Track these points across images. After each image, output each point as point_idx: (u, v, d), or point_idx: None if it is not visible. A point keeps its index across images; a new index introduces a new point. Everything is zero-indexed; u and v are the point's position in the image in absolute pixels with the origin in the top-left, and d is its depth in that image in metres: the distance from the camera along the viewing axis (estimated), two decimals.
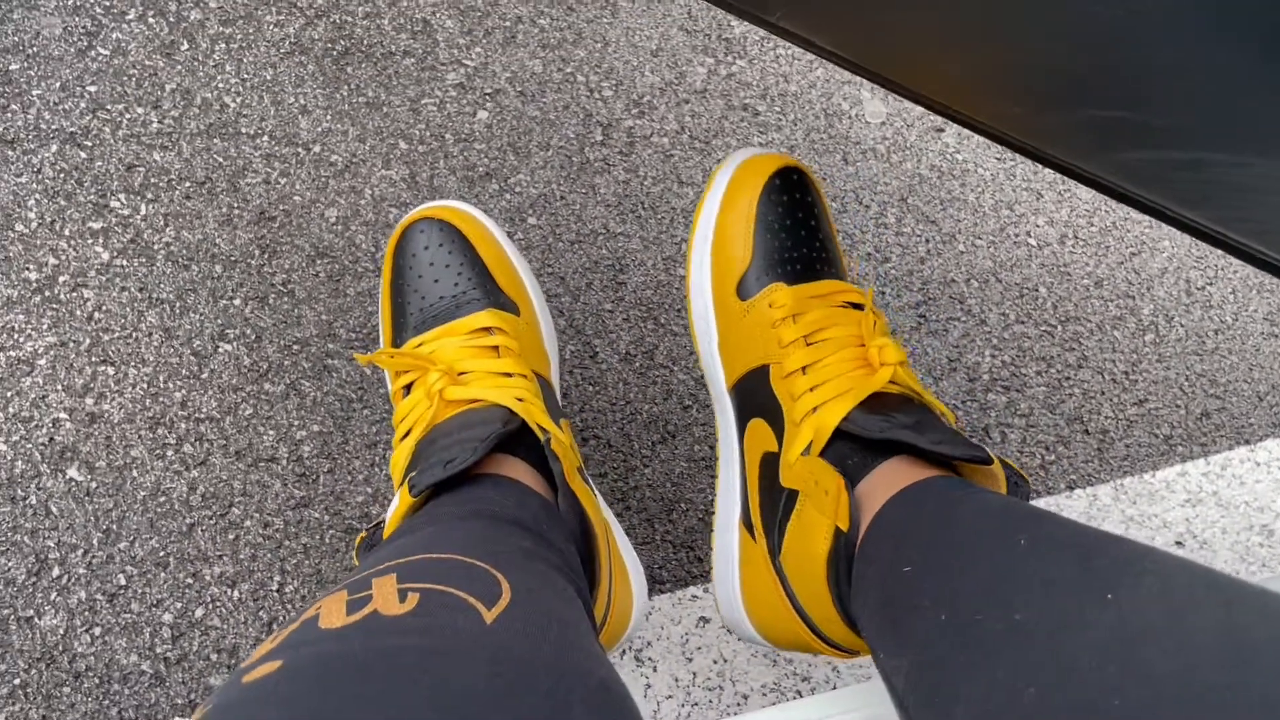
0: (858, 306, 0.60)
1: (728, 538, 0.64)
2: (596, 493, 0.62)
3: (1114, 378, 0.92)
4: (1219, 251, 1.03)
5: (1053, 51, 0.41)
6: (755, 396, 0.61)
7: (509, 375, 0.57)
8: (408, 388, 0.58)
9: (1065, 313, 0.94)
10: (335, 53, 0.87)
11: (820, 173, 0.94)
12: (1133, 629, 0.31)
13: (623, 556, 0.61)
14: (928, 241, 0.93)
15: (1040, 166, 1.01)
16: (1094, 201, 1.01)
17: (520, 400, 0.55)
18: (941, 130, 1.00)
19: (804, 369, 0.57)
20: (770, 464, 0.58)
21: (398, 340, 0.62)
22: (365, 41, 0.88)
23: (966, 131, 1.01)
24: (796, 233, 0.62)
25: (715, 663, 0.71)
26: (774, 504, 0.57)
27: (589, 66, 0.93)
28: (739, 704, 0.69)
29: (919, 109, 1.01)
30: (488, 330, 0.60)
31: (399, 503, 0.49)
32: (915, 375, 0.58)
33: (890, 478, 0.50)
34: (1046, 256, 0.96)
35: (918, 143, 0.99)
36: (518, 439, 0.54)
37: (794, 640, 0.59)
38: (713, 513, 0.73)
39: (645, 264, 0.85)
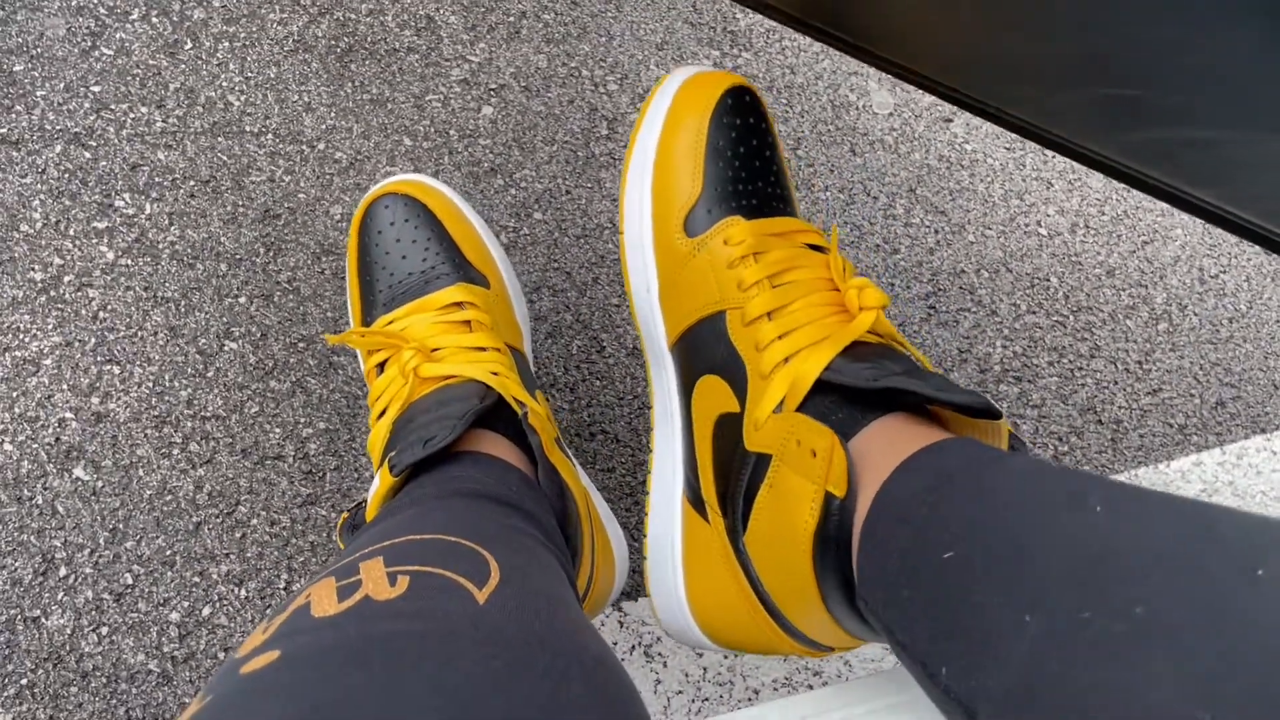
0: (819, 250, 0.53)
1: (667, 519, 0.56)
2: (575, 462, 0.61)
3: (1127, 367, 0.91)
4: (1232, 239, 1.02)
5: (1064, 31, 0.41)
6: (706, 350, 0.53)
7: (482, 349, 0.56)
8: (381, 366, 0.58)
9: (1077, 302, 0.93)
10: (339, 50, 0.86)
11: (828, 164, 0.93)
12: None
13: (604, 523, 0.61)
14: (937, 232, 0.92)
15: (1050, 155, 1.00)
16: (1105, 190, 1.00)
17: (495, 374, 0.54)
18: (950, 120, 0.99)
19: (769, 314, 0.50)
20: (728, 426, 0.51)
21: (367, 318, 0.61)
22: (369, 38, 0.88)
23: (975, 121, 1.00)
24: (751, 161, 0.55)
25: (726, 658, 0.70)
26: (736, 475, 0.49)
27: (594, 61, 0.92)
28: (749, 699, 0.69)
29: (927, 99, 1.00)
30: (459, 305, 0.59)
31: (379, 483, 0.49)
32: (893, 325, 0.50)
33: (890, 438, 0.43)
34: (1058, 246, 0.95)
35: (926, 133, 0.98)
36: (494, 413, 0.53)
37: (755, 640, 0.51)
38: (646, 491, 0.63)
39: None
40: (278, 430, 0.72)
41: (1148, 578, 0.27)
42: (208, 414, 0.71)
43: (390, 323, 0.59)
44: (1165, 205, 1.00)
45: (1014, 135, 1.02)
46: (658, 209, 0.55)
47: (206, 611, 0.66)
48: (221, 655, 0.65)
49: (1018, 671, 0.28)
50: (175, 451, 0.69)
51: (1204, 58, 0.35)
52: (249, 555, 0.68)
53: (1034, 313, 0.91)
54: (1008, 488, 0.35)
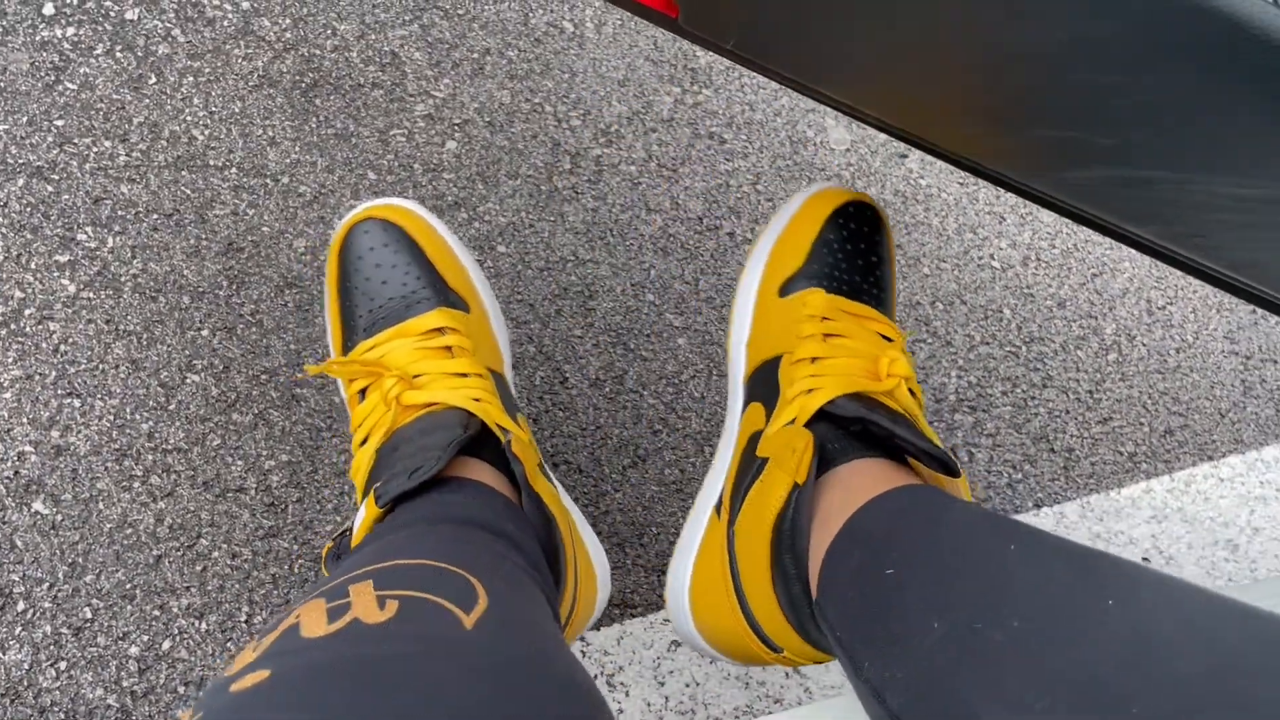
0: (887, 339, 0.60)
1: (694, 528, 0.63)
2: (558, 486, 0.62)
3: (1078, 397, 0.93)
4: (1178, 271, 1.05)
5: (1004, 74, 0.42)
6: (763, 385, 0.61)
7: (464, 375, 0.57)
8: (362, 393, 0.58)
9: (1029, 333, 0.95)
10: (304, 85, 0.87)
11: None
12: (1150, 636, 0.30)
13: (586, 545, 0.61)
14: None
15: (1002, 190, 1.03)
16: (1055, 224, 1.03)
17: (477, 400, 0.55)
18: (905, 156, 1.02)
19: (813, 359, 0.57)
20: (754, 440, 0.58)
21: (348, 344, 0.62)
22: (333, 74, 0.89)
23: (930, 157, 1.03)
24: (854, 259, 0.63)
25: (687, 685, 0.71)
26: (744, 475, 0.57)
27: (556, 97, 0.94)
28: None
29: (882, 136, 1.03)
30: (439, 330, 0.59)
31: (365, 513, 0.49)
32: (922, 406, 0.58)
33: (865, 476, 0.50)
34: (1010, 278, 0.98)
35: (882, 168, 1.00)
36: (478, 439, 0.54)
37: (732, 641, 0.57)
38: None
39: (614, 290, 0.86)
40: (240, 463, 0.72)
41: (1030, 600, 0.34)
42: (169, 447, 0.71)
43: (371, 348, 0.59)
44: (1113, 239, 1.03)
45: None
46: (767, 273, 0.64)
47: (166, 645, 0.66)
48: (181, 689, 0.64)
49: (918, 665, 0.36)
50: (136, 485, 0.69)
51: (1138, 101, 0.37)
52: (210, 588, 0.68)
53: (988, 343, 0.93)
54: (950, 526, 0.42)
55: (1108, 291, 1.00)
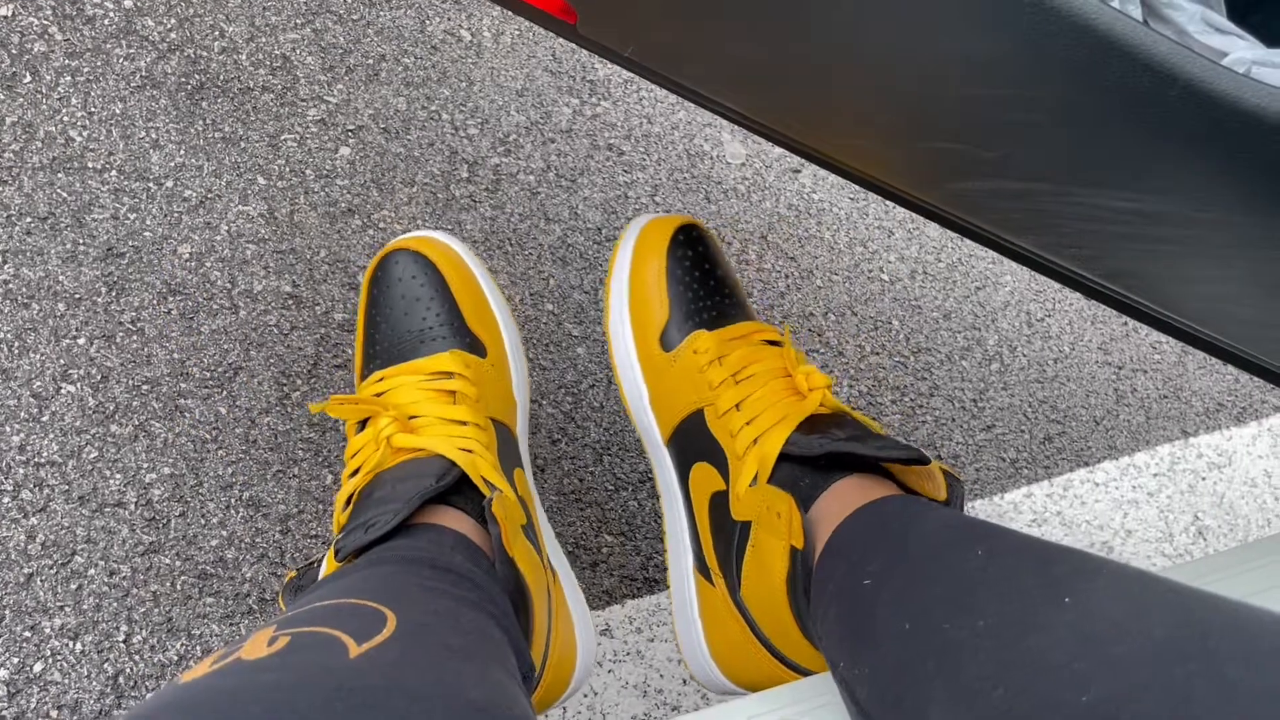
0: (775, 344, 0.62)
1: (683, 589, 0.64)
2: (547, 542, 0.61)
3: (963, 405, 0.96)
4: (1056, 285, 1.10)
5: (891, 88, 0.44)
6: (694, 442, 0.62)
7: (462, 424, 0.56)
8: (363, 422, 0.58)
9: (917, 344, 0.98)
10: (190, 87, 0.85)
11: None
12: (1097, 626, 0.32)
13: (570, 612, 0.60)
14: (787, 277, 0.96)
15: (891, 206, 1.06)
16: (941, 239, 1.06)
17: (468, 452, 0.54)
18: (798, 171, 1.04)
19: (737, 405, 0.59)
20: (719, 502, 0.59)
21: (366, 370, 0.62)
22: (221, 76, 0.86)
23: (822, 173, 1.05)
24: (705, 283, 0.65)
25: (585, 696, 0.71)
26: (728, 541, 0.58)
27: (454, 105, 0.93)
28: None
29: (777, 151, 1.05)
30: (447, 374, 0.59)
31: (326, 566, 0.50)
32: (839, 398, 0.60)
33: (843, 498, 0.52)
34: (899, 291, 1.01)
35: (776, 183, 1.02)
36: (458, 489, 0.53)
37: (766, 678, 0.59)
38: (664, 568, 0.75)
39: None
40: (119, 476, 0.69)
41: (994, 602, 0.36)
42: (42, 460, 0.68)
43: (381, 379, 0.59)
44: (995, 254, 1.07)
45: (858, 187, 1.08)
46: (637, 333, 0.65)
47: (38, 668, 0.62)
48: (54, 714, 0.61)
49: (885, 659, 0.39)
50: (5, 500, 0.66)
51: (1018, 115, 0.39)
52: (85, 607, 0.65)
53: (877, 354, 0.96)
54: (921, 534, 0.44)
55: (990, 304, 1.04)
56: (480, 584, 0.46)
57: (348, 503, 0.54)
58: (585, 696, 0.71)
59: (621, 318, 0.66)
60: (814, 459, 0.54)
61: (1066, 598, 0.34)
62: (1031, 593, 0.35)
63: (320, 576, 0.50)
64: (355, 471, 0.55)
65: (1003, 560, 0.39)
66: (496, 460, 0.56)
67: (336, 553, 0.49)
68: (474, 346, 0.62)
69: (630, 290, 0.65)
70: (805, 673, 0.56)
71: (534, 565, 0.54)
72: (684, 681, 0.73)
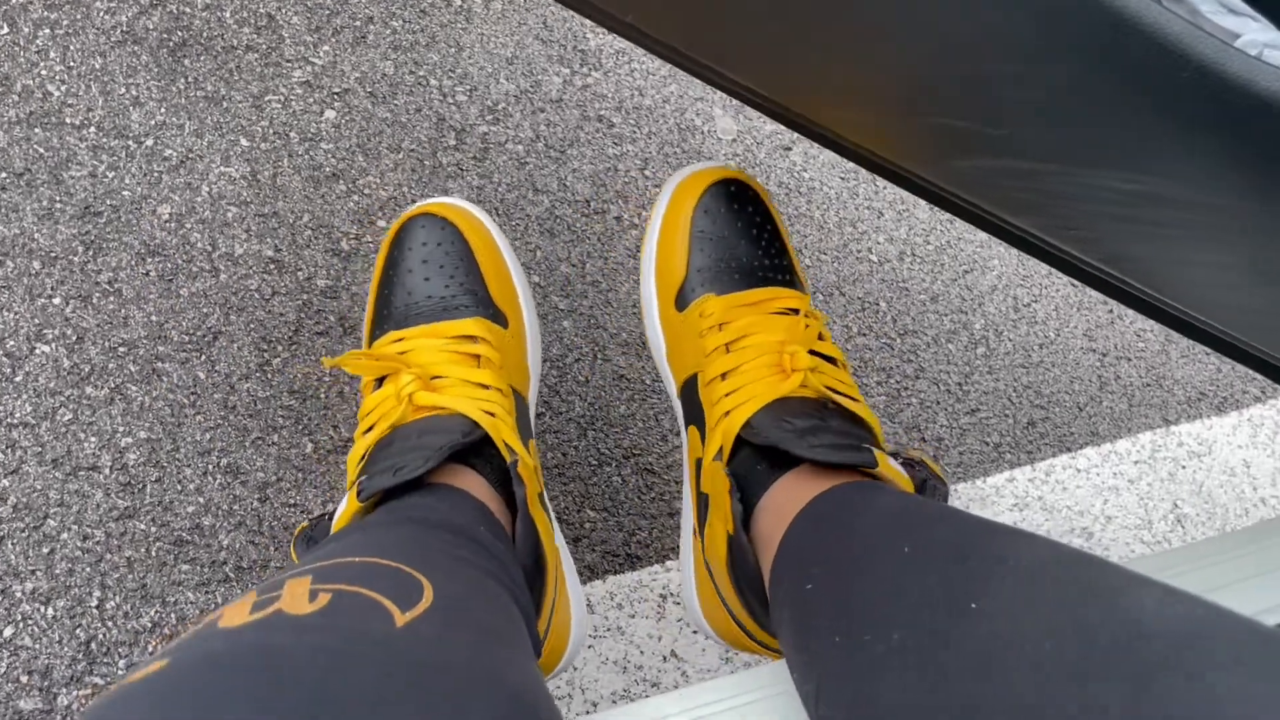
0: (794, 312, 0.60)
1: (687, 542, 0.64)
2: (554, 521, 0.60)
3: (948, 388, 0.96)
4: (1043, 270, 1.09)
5: (900, 61, 0.43)
6: (689, 405, 0.61)
7: (485, 387, 0.55)
8: (380, 380, 0.56)
9: (904, 326, 0.98)
10: (171, 44, 0.83)
11: None
12: (996, 641, 0.32)
13: (568, 589, 0.60)
14: None
15: (881, 185, 1.06)
16: (931, 220, 1.06)
17: (490, 415, 0.53)
18: (789, 149, 1.03)
19: (723, 375, 0.57)
20: (699, 467, 0.59)
21: (377, 331, 0.60)
22: (205, 34, 0.84)
23: (813, 151, 1.04)
24: (734, 243, 0.62)
25: (565, 671, 0.70)
26: (703, 506, 0.58)
27: (442, 71, 0.91)
28: (588, 710, 0.69)
29: (769, 128, 1.04)
30: (472, 339, 0.58)
31: (346, 505, 0.48)
32: (847, 378, 0.58)
33: (798, 488, 0.51)
34: (887, 272, 1.00)
35: (766, 160, 1.01)
36: (478, 452, 0.52)
37: (733, 636, 0.59)
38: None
39: None
40: (93, 439, 0.68)
41: (910, 611, 0.36)
42: (14, 421, 0.66)
43: (398, 340, 0.58)
44: (985, 237, 1.07)
45: (849, 165, 1.07)
46: (660, 288, 0.64)
47: (9, 632, 0.61)
48: (24, 679, 0.60)
49: (820, 674, 0.40)
50: None
51: (1028, 93, 0.38)
52: (58, 572, 0.64)
53: (864, 335, 0.95)
54: (856, 532, 0.44)
55: (977, 288, 1.04)
56: (498, 555, 0.46)
57: (362, 459, 0.53)
58: (565, 672, 0.70)
59: (649, 271, 0.65)
60: (764, 447, 0.53)
61: (973, 603, 0.34)
62: (942, 601, 0.35)
63: (339, 514, 0.49)
64: (370, 429, 0.54)
65: (923, 559, 0.38)
66: (516, 427, 0.56)
67: (359, 493, 0.47)
68: (497, 317, 0.61)
69: (659, 243, 0.64)
70: (758, 642, 0.56)
71: (549, 535, 0.54)
72: (664, 659, 0.73)
